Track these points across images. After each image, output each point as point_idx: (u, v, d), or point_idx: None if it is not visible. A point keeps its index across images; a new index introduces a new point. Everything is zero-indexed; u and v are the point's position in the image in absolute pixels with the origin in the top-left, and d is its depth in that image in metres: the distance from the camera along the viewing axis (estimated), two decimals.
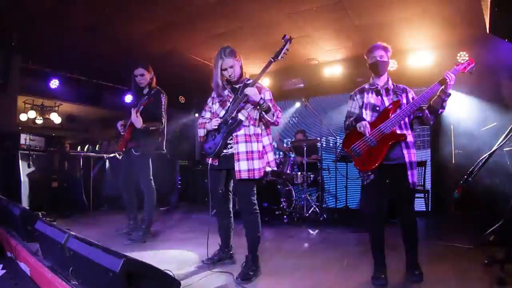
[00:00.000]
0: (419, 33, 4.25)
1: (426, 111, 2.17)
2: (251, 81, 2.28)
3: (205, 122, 2.39)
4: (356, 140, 2.18)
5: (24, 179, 4.09)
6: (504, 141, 1.95)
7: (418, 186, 4.63)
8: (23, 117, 8.48)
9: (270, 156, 2.33)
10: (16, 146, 4.12)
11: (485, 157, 1.95)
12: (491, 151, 1.94)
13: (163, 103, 3.20)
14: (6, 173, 4.14)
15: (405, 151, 2.14)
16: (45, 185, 4.47)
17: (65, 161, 5.18)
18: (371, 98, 2.25)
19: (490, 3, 2.48)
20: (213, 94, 2.44)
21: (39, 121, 8.91)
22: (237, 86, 2.33)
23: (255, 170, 2.17)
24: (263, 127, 2.35)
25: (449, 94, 2.07)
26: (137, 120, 3.01)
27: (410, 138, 2.17)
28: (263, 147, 2.31)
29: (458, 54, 4.41)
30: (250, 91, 2.10)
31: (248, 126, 2.24)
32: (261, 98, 2.15)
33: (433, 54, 4.69)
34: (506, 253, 2.31)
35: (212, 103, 2.43)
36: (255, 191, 2.24)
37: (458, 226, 4.09)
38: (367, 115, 2.23)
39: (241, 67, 2.32)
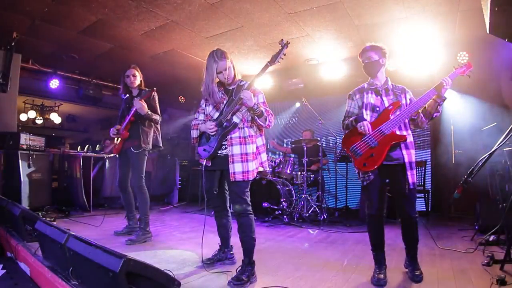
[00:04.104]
0: (419, 33, 4.25)
1: (421, 114, 2.19)
2: (244, 82, 2.25)
3: (199, 124, 2.37)
4: (356, 140, 2.17)
5: (24, 179, 4.09)
6: (504, 141, 1.95)
7: (418, 186, 4.64)
8: (23, 117, 8.49)
9: (264, 157, 2.31)
10: (16, 146, 4.12)
11: (485, 157, 1.95)
12: (491, 151, 1.94)
13: (156, 100, 3.37)
14: (6, 173, 4.14)
15: (404, 152, 2.14)
16: (45, 185, 4.47)
17: (65, 161, 5.19)
18: (370, 98, 2.25)
19: (490, 3, 2.48)
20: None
21: (39, 121, 8.92)
22: (230, 88, 2.30)
23: (249, 172, 2.15)
24: (256, 128, 2.30)
25: (444, 99, 2.12)
26: (142, 108, 3.12)
27: (409, 139, 2.18)
28: (257, 147, 2.28)
29: (458, 54, 4.41)
30: (246, 95, 2.05)
31: (243, 128, 2.21)
32: (255, 103, 2.11)
33: (433, 54, 4.67)
34: (506, 253, 2.31)
35: (206, 105, 2.39)
36: (249, 192, 2.22)
37: (458, 226, 4.09)
38: (367, 115, 2.22)
39: (234, 68, 2.28)
